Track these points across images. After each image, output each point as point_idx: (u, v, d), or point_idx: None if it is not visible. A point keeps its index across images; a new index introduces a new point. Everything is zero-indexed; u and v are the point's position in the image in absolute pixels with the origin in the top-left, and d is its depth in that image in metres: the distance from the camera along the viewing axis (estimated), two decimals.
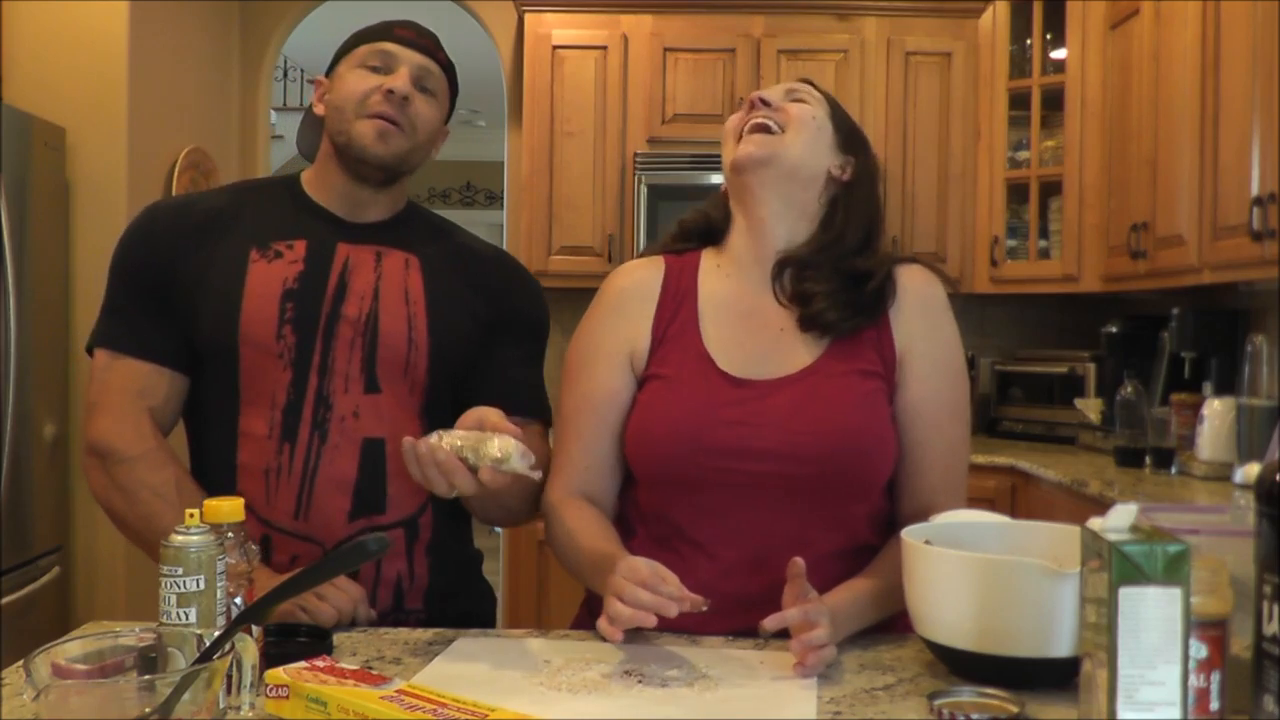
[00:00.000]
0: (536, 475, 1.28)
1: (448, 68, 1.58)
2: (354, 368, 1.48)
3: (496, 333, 1.56)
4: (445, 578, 1.55)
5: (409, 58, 1.52)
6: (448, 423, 1.31)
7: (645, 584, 1.18)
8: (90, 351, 1.53)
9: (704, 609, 1.17)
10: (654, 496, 1.43)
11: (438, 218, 1.67)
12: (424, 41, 1.55)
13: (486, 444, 1.24)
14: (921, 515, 1.35)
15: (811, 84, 1.52)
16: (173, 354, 1.49)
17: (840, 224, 1.46)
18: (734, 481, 1.37)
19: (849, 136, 1.50)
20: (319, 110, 1.56)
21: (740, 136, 1.45)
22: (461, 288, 1.57)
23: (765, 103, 1.45)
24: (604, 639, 1.26)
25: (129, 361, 1.49)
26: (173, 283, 1.49)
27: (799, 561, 1.22)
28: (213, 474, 1.49)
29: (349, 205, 1.55)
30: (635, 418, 1.44)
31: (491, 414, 1.30)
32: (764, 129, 1.43)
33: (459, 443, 1.25)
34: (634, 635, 1.31)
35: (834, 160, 1.47)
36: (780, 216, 1.45)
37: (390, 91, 1.48)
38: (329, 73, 1.57)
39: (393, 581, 1.50)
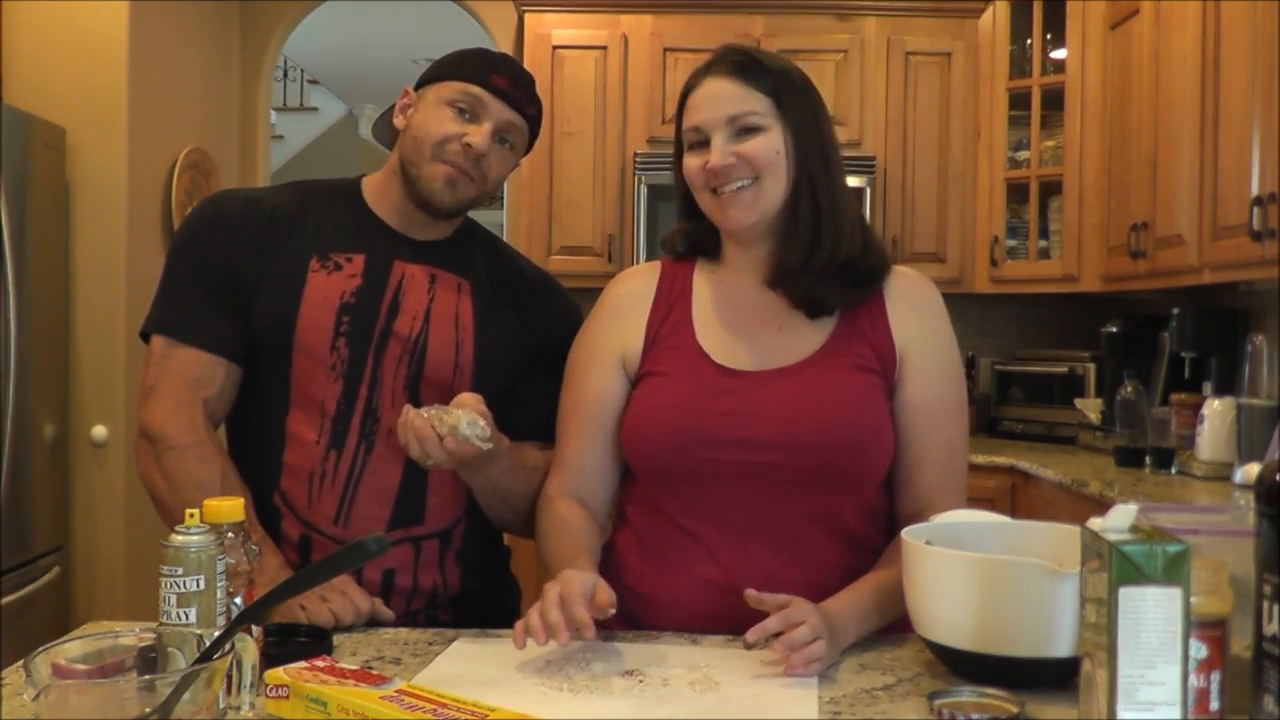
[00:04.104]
0: (486, 446, 1.36)
1: (533, 119, 1.59)
2: (399, 384, 1.51)
3: (538, 360, 1.59)
4: (476, 581, 1.59)
5: (497, 112, 1.52)
6: None
7: (561, 601, 1.18)
8: (145, 336, 1.53)
9: (588, 636, 1.16)
10: (650, 490, 1.44)
11: (490, 235, 1.69)
12: (517, 94, 1.55)
13: (447, 414, 1.37)
14: (921, 514, 1.35)
15: (753, 60, 1.41)
16: (231, 346, 1.51)
17: (814, 222, 1.40)
18: (727, 473, 1.37)
19: (800, 126, 1.41)
20: (398, 123, 1.57)
21: (711, 188, 1.41)
22: (509, 315, 1.60)
23: (724, 172, 1.39)
24: (603, 639, 1.26)
25: (187, 350, 1.50)
26: (235, 276, 1.50)
27: (752, 593, 1.22)
28: (257, 470, 1.51)
29: (409, 223, 1.57)
30: (630, 413, 1.45)
31: (469, 397, 1.40)
32: (741, 186, 1.39)
33: (426, 414, 1.37)
34: (634, 635, 1.32)
35: (798, 166, 1.41)
36: (773, 234, 1.44)
37: (469, 145, 1.50)
38: (418, 86, 1.57)
39: (428, 590, 1.53)
